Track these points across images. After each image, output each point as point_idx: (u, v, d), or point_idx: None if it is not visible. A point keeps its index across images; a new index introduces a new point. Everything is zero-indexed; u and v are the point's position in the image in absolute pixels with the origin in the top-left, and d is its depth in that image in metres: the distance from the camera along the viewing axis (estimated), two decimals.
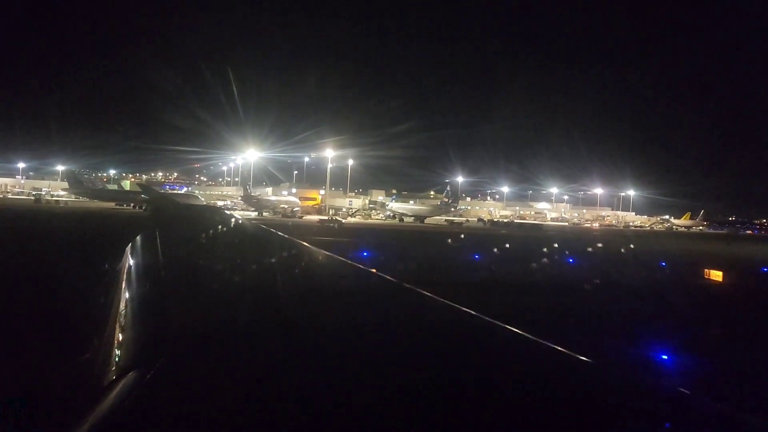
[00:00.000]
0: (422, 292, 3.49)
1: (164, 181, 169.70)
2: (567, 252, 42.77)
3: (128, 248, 5.65)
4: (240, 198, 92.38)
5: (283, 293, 3.66)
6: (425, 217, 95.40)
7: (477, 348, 2.52)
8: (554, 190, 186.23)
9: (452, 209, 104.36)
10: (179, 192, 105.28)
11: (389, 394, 1.81)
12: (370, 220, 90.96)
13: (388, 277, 4.09)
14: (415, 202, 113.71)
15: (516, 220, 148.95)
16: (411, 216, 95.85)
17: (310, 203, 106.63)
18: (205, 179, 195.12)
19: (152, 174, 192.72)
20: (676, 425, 1.72)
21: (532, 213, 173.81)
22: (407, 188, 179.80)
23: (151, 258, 4.88)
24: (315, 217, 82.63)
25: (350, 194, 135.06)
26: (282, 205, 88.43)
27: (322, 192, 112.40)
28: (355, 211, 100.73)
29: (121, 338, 2.66)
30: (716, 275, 31.40)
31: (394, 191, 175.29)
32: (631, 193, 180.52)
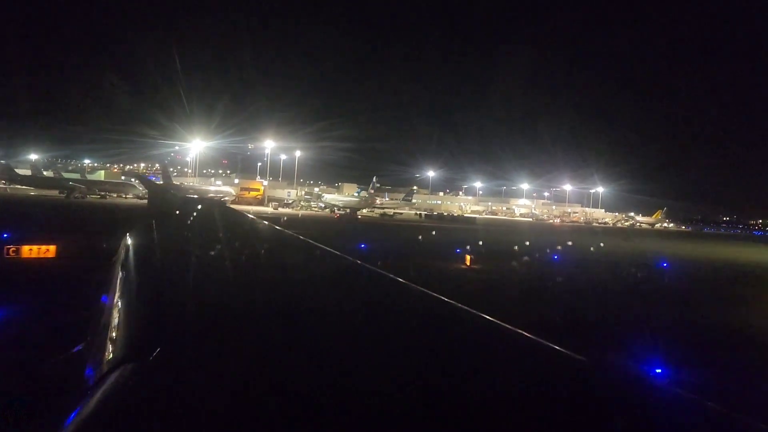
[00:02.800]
0: (417, 287, 3.51)
1: (145, 172, 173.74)
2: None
3: (125, 238, 5.72)
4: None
5: (280, 284, 3.76)
6: (357, 209, 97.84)
7: (463, 337, 2.63)
8: (525, 186, 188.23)
9: (378, 201, 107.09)
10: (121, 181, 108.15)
11: (384, 380, 1.87)
12: (302, 212, 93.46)
13: (380, 271, 4.19)
14: (359, 194, 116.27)
15: (486, 215, 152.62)
16: (342, 208, 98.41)
17: (253, 194, 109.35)
18: (189, 170, 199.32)
19: (134, 165, 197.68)
20: (670, 424, 1.73)
21: (504, 209, 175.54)
22: (385, 182, 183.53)
23: (148, 249, 4.94)
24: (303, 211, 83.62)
25: (323, 187, 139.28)
26: (210, 195, 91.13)
27: (266, 183, 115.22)
28: (291, 203, 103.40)
29: (116, 329, 2.64)
30: (467, 260, 33.86)
31: (378, 184, 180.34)
32: (601, 190, 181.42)
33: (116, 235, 6.28)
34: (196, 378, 1.83)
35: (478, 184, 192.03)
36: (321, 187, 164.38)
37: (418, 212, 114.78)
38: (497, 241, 54.79)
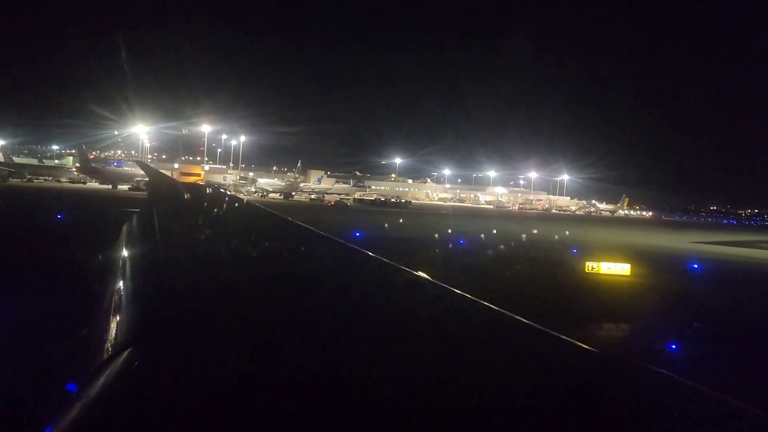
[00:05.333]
0: (416, 273, 3.53)
1: (112, 158, 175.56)
2: None
3: (126, 225, 5.68)
4: (74, 168, 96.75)
5: (280, 271, 3.75)
6: (288, 193, 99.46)
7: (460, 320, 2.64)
8: (492, 174, 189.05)
9: (301, 185, 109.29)
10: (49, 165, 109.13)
11: (382, 364, 1.88)
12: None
13: (377, 256, 4.21)
14: (320, 180, 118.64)
15: (454, 202, 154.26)
16: (273, 192, 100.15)
17: (193, 178, 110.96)
18: (165, 156, 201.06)
19: (111, 151, 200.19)
20: (675, 414, 1.71)
21: (471, 196, 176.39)
22: (365, 170, 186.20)
23: (149, 235, 4.94)
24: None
25: (291, 173, 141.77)
26: (137, 178, 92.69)
27: (208, 168, 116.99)
28: (228, 187, 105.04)
29: (118, 315, 2.62)
30: None
31: (358, 172, 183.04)
32: (566, 178, 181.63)
33: None
34: (198, 363, 1.83)
35: (447, 172, 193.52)
36: (289, 173, 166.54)
37: (354, 198, 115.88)
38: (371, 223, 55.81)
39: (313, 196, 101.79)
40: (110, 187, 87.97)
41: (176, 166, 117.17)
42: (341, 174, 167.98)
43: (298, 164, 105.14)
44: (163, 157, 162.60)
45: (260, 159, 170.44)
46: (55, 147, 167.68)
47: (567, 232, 61.16)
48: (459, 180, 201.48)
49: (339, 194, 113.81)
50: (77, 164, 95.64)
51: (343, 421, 1.46)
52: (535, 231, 57.87)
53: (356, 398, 1.60)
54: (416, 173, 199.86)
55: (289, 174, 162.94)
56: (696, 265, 33.87)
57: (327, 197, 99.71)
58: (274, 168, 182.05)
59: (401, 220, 59.48)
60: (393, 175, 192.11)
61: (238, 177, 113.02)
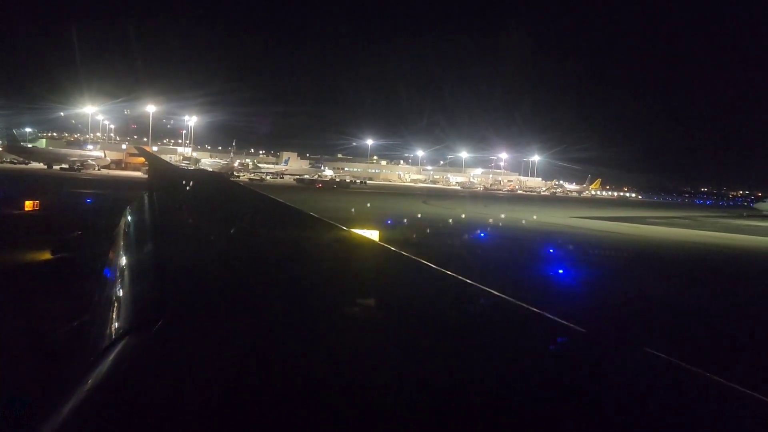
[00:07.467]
0: (414, 257, 3.50)
1: (84, 140, 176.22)
2: None
3: (126, 210, 5.69)
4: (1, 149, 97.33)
5: (281, 252, 3.75)
6: (229, 173, 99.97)
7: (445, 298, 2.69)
8: (464, 155, 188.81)
9: (238, 165, 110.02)
10: None
11: (383, 345, 1.90)
12: None
13: (381, 243, 4.15)
14: (287, 162, 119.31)
15: (427, 184, 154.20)
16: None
17: (142, 159, 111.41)
18: (145, 139, 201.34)
19: (89, 135, 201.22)
20: (668, 394, 1.70)
21: (444, 177, 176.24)
22: (349, 153, 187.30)
23: (149, 220, 4.92)
24: None
25: (262, 155, 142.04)
26: (72, 158, 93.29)
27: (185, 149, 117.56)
28: None
29: (119, 300, 2.63)
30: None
31: (340, 155, 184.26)
32: (536, 159, 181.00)
33: None
34: (198, 350, 1.85)
35: (420, 154, 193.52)
36: (260, 155, 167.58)
37: (295, 177, 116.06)
38: None
39: (252, 176, 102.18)
40: (45, 167, 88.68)
41: (124, 146, 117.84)
42: (319, 156, 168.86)
43: (233, 144, 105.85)
44: (140, 139, 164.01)
45: (238, 141, 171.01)
46: (28, 130, 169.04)
47: (458, 210, 60.82)
48: (441, 162, 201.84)
49: (293, 174, 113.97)
50: (5, 145, 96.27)
51: (342, 421, 1.41)
52: (421, 208, 57.60)
53: (359, 391, 1.56)
54: (399, 155, 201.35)
55: (262, 155, 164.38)
56: (482, 234, 33.84)
57: (299, 178, 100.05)
58: (251, 150, 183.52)
59: (300, 197, 59.40)
60: (375, 157, 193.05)
61: (181, 158, 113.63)
